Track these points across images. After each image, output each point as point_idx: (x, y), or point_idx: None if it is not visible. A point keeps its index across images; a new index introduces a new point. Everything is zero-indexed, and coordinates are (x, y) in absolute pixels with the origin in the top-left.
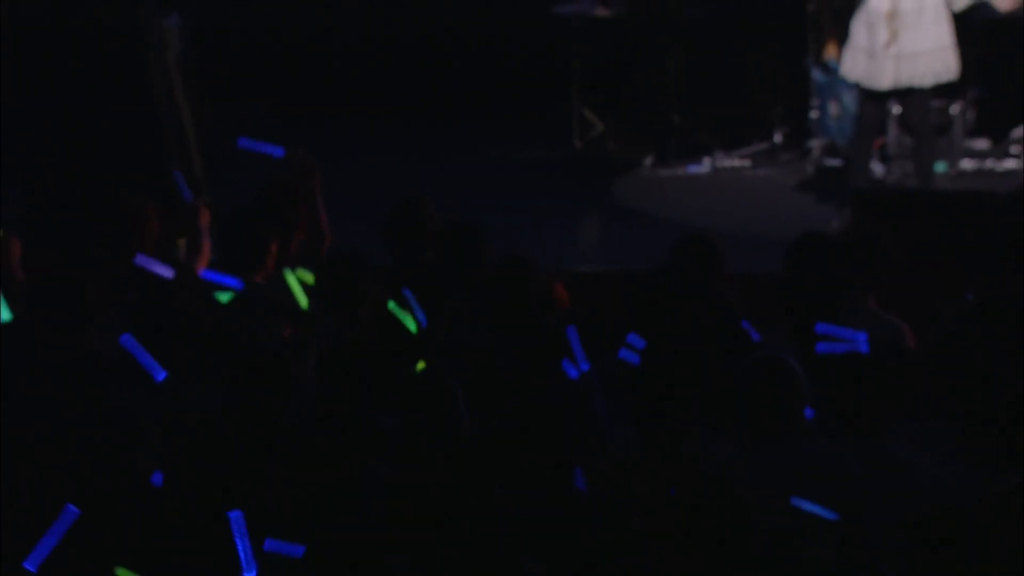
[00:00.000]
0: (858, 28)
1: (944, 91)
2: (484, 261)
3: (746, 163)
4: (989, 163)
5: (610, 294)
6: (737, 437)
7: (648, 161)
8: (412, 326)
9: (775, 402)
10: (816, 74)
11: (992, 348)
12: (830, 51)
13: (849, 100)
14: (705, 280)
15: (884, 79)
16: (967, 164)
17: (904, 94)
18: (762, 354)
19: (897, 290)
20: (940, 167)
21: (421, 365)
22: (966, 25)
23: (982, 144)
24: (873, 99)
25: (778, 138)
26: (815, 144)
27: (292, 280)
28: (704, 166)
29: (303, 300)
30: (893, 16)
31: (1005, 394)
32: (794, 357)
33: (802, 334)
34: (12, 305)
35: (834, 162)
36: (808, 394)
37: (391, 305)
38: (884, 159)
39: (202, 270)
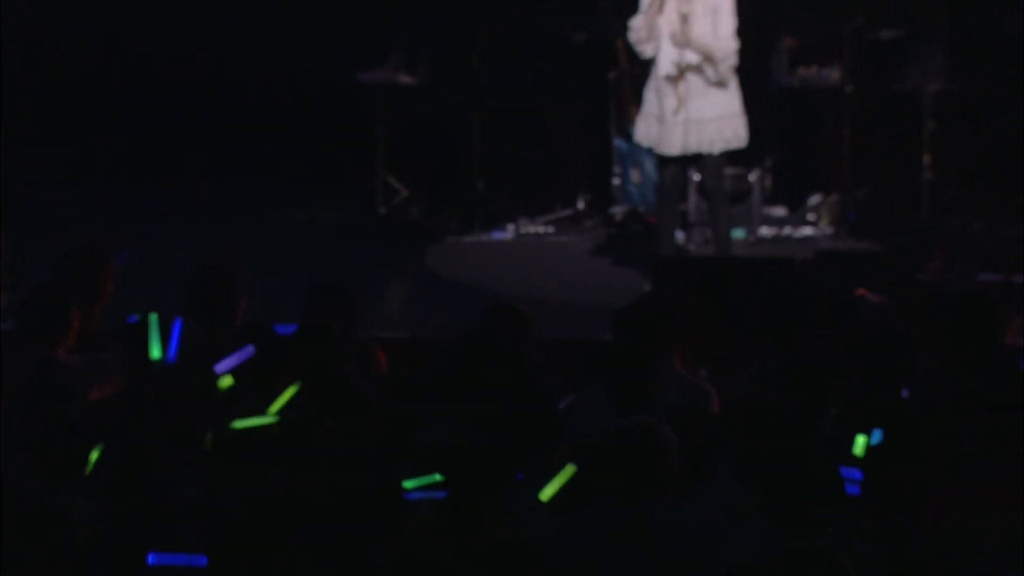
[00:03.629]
0: (649, 96)
1: (742, 158)
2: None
3: (549, 229)
4: (787, 230)
5: (415, 361)
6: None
7: (452, 227)
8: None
9: (646, 466)
10: (618, 141)
11: (790, 410)
12: (632, 119)
13: (650, 167)
14: (513, 346)
15: (673, 145)
16: (765, 231)
17: (698, 160)
18: (636, 419)
19: (701, 354)
20: (739, 234)
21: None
22: (762, 94)
23: (780, 211)
24: (670, 166)
25: (581, 205)
26: (617, 210)
27: None
28: (508, 232)
29: None
30: (679, 82)
31: (803, 456)
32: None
33: (618, 396)
34: None
35: (636, 228)
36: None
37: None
38: (685, 226)
39: None
